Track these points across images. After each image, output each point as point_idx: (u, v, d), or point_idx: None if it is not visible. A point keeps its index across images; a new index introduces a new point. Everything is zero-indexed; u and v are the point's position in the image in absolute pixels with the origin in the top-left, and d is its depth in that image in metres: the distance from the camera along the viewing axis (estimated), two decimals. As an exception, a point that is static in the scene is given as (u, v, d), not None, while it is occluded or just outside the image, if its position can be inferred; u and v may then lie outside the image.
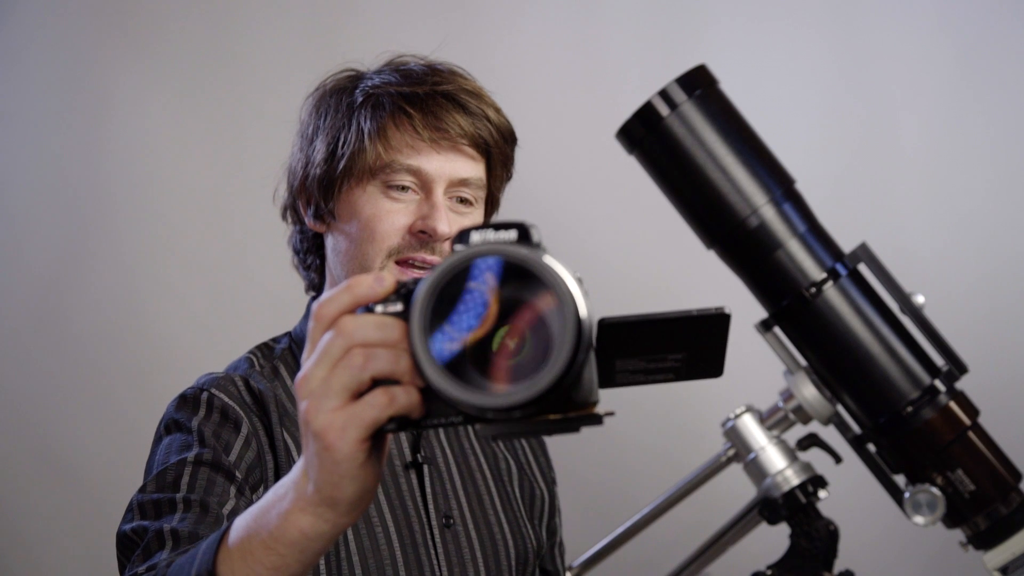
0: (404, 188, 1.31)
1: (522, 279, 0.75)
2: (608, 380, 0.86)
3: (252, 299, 2.23)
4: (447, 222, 1.30)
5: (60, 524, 2.24)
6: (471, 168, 1.33)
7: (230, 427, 1.25)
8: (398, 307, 0.79)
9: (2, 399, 2.28)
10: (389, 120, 1.31)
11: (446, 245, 1.30)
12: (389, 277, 0.81)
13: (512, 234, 0.77)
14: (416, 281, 0.78)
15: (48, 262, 2.28)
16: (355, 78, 1.38)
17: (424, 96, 1.31)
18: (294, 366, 1.36)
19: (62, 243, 2.28)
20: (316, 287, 1.42)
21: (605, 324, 0.83)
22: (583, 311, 0.73)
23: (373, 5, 2.26)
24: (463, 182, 1.33)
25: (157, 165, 2.27)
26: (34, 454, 2.24)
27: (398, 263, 1.30)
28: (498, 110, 1.36)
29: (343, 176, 1.32)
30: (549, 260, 0.74)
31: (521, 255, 0.74)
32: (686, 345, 0.86)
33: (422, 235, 1.30)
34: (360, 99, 1.33)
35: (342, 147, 1.32)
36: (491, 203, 1.41)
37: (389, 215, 1.30)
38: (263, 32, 2.27)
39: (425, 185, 1.31)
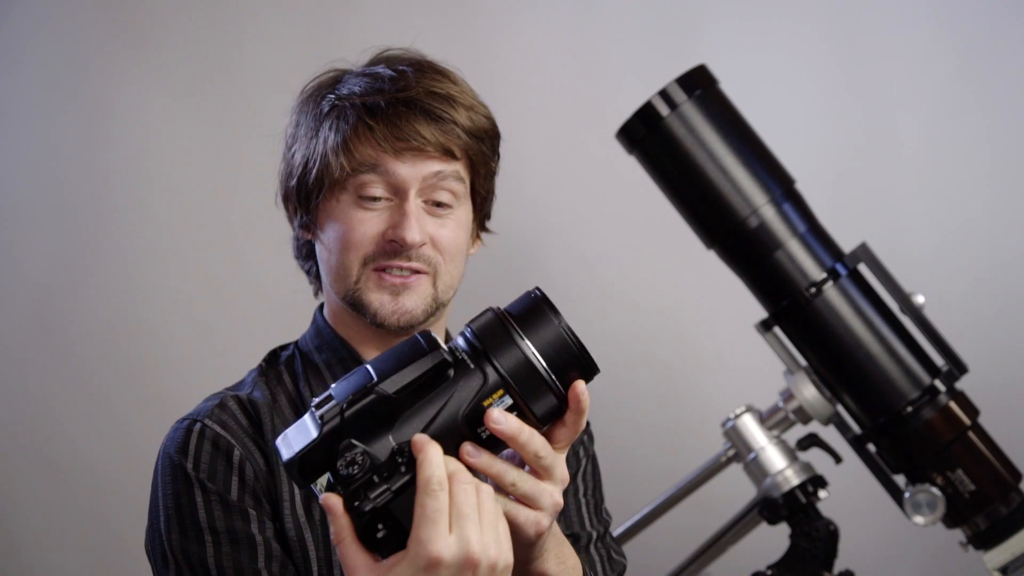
0: (376, 198, 1.29)
1: None
2: None
3: (252, 301, 2.23)
4: (417, 230, 1.27)
5: (58, 527, 2.24)
6: (443, 165, 1.30)
7: (222, 458, 1.25)
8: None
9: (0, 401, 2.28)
10: (352, 133, 1.28)
11: (425, 251, 1.29)
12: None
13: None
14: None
15: (47, 263, 2.27)
16: (335, 80, 1.36)
17: (385, 106, 1.28)
18: (295, 373, 1.36)
19: (61, 244, 2.28)
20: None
21: None
22: None
23: (375, 4, 2.26)
24: (437, 175, 1.29)
25: (157, 166, 2.27)
26: (32, 457, 2.24)
27: (376, 270, 1.30)
28: (471, 108, 1.31)
29: (315, 188, 1.31)
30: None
31: None
32: None
33: (393, 243, 1.29)
34: (326, 110, 1.31)
35: (311, 160, 1.31)
36: (478, 197, 1.38)
37: (361, 224, 1.29)
38: (264, 32, 2.27)
39: (398, 191, 1.29)
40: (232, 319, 2.24)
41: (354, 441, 0.90)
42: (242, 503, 1.24)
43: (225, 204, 2.26)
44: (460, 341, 0.95)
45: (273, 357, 1.41)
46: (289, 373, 1.37)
